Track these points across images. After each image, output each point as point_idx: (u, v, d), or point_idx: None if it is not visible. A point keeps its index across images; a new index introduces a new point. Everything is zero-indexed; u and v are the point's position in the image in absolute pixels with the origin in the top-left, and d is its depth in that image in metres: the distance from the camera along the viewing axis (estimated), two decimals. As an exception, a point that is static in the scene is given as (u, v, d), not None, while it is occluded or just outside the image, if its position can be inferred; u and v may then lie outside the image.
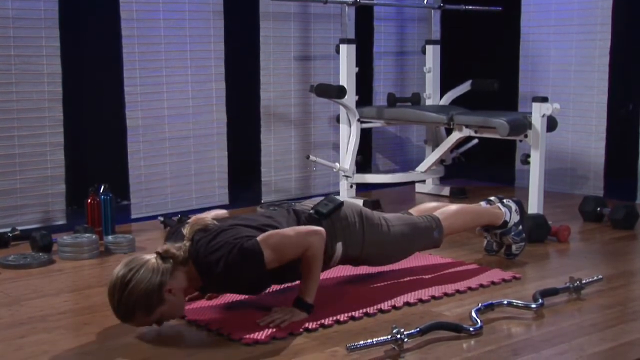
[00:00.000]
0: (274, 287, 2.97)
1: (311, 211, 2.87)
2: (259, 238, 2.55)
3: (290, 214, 2.85)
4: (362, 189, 4.97)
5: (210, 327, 2.56)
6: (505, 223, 3.34)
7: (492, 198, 3.40)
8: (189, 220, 2.67)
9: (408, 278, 3.12)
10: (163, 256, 2.50)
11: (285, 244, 2.59)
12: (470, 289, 2.97)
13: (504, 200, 3.39)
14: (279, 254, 2.56)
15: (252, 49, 4.86)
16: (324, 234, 2.67)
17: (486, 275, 3.15)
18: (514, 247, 3.39)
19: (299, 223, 2.80)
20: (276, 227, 2.70)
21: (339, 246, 2.86)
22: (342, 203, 2.92)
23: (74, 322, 2.70)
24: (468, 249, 3.60)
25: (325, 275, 3.15)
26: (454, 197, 4.88)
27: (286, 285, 2.90)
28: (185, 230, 2.60)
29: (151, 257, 2.49)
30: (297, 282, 2.74)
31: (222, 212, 2.90)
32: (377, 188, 5.14)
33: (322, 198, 2.96)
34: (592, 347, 2.40)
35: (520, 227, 3.37)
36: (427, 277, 3.14)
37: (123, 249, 3.60)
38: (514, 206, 3.37)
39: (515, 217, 3.36)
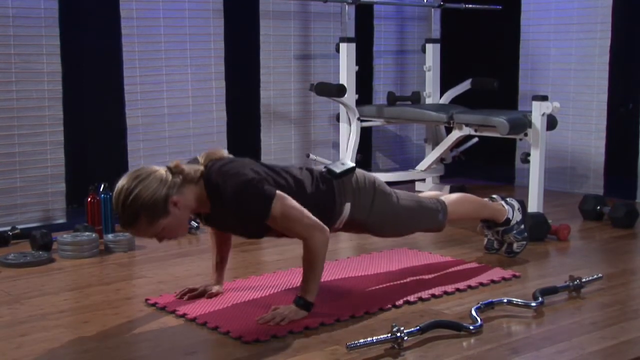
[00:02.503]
0: (274, 287, 2.98)
1: (324, 170, 2.85)
2: (279, 192, 2.55)
3: (302, 170, 2.82)
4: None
5: (209, 325, 2.56)
6: (508, 221, 3.34)
7: (494, 196, 3.40)
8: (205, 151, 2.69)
9: (408, 276, 3.12)
10: (173, 171, 2.52)
11: (296, 217, 2.57)
12: (470, 287, 2.98)
13: (507, 199, 3.39)
14: (284, 219, 2.55)
15: (252, 47, 4.86)
16: (328, 234, 2.64)
17: (486, 273, 3.15)
18: (515, 245, 3.39)
19: (312, 179, 2.78)
20: (292, 176, 2.71)
21: (347, 207, 2.83)
22: (355, 167, 2.90)
23: (74, 321, 2.70)
24: (468, 248, 3.60)
25: (326, 274, 3.15)
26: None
27: (286, 285, 2.90)
28: (201, 157, 2.63)
29: (160, 169, 2.51)
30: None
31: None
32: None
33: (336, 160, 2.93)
34: (592, 346, 2.40)
35: (523, 225, 3.37)
36: (427, 275, 3.14)
37: (123, 248, 3.60)
38: (516, 205, 3.37)
39: (518, 216, 3.36)
